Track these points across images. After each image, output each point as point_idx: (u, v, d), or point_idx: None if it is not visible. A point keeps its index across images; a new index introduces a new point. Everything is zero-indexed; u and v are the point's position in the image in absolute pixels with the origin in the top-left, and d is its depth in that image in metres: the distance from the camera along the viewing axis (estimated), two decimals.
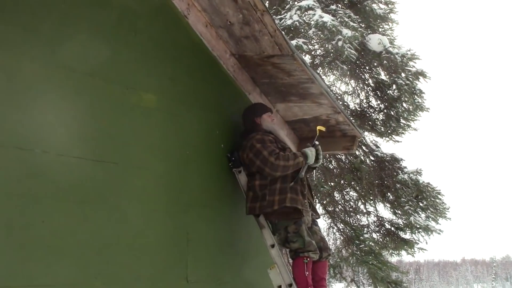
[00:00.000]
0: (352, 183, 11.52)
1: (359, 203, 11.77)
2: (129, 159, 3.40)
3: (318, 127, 4.69)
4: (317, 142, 4.59)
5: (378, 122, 11.37)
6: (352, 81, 11.95)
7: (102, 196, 3.17)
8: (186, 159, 3.94)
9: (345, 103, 11.86)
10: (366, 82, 11.67)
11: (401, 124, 11.21)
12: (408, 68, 10.66)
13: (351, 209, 11.88)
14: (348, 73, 11.18)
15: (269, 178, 4.30)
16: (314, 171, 5.66)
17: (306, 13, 10.29)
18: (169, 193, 3.73)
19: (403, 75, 10.71)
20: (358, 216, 11.76)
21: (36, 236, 2.77)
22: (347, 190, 11.97)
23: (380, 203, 11.48)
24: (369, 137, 11.68)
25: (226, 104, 4.63)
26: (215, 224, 4.24)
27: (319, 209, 11.91)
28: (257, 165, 4.29)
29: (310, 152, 4.47)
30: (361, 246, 10.82)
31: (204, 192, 4.12)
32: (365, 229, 11.42)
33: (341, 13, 10.18)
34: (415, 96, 10.72)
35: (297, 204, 4.23)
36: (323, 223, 12.75)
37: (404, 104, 11.02)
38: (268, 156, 4.25)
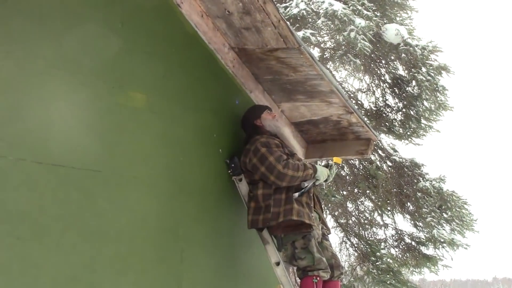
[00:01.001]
0: (367, 191, 11.51)
1: (375, 215, 11.77)
2: (115, 166, 3.38)
3: (335, 159, 4.75)
4: (332, 163, 4.63)
5: (396, 123, 11.37)
6: (367, 77, 11.96)
7: (81, 210, 3.13)
8: (180, 166, 3.93)
9: (359, 102, 11.87)
10: (382, 78, 11.68)
11: (422, 125, 11.21)
12: (429, 62, 10.67)
13: (366, 221, 11.87)
14: (362, 68, 11.19)
15: (273, 186, 4.29)
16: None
17: (314, 0, 10.31)
18: (161, 204, 3.71)
19: (423, 69, 10.71)
20: (374, 229, 11.75)
21: (6, 257, 2.75)
22: (361, 199, 11.97)
23: (398, 214, 11.48)
24: (386, 140, 11.69)
25: (225, 104, 4.63)
26: (213, 239, 4.23)
27: (330, 221, 11.91)
28: (261, 172, 4.29)
29: (321, 170, 4.50)
30: (377, 263, 10.80)
31: (200, 203, 4.12)
32: (382, 244, 11.41)
33: (353, 0, 10.20)
34: (438, 94, 10.73)
35: (303, 217, 4.22)
36: (334, 237, 12.75)
37: (425, 103, 11.02)
38: (275, 163, 4.26)
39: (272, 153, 4.32)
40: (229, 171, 4.48)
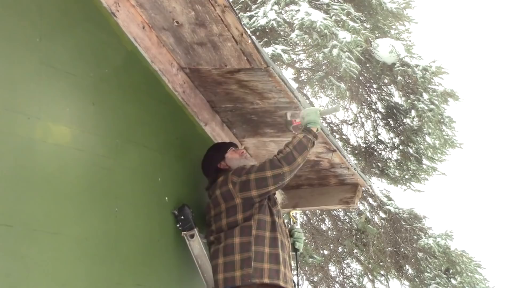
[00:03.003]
0: (355, 251, 11.54)
1: (365, 280, 11.78)
2: (31, 219, 3.35)
3: (292, 213, 4.87)
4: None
5: (391, 164, 11.48)
6: (354, 105, 12.09)
7: None
8: (115, 219, 3.91)
9: (344, 137, 11.97)
10: (374, 107, 11.82)
11: (424, 166, 11.34)
12: (432, 86, 10.82)
13: None
14: (348, 93, 11.31)
15: (253, 232, 4.34)
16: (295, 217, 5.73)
17: (287, 8, 10.42)
18: (90, 268, 3.68)
19: (425, 96, 10.86)
20: None
21: None
22: (347, 261, 11.99)
23: (394, 279, 11.51)
24: (378, 185, 11.79)
25: (173, 140, 4.63)
26: None
27: None
28: (255, 179, 4.37)
29: (313, 112, 4.56)
30: None
31: (140, 267, 4.09)
32: None
33: (336, 9, 10.33)
34: (443, 127, 10.88)
35: (278, 278, 4.30)
36: None
37: (428, 138, 11.16)
38: (264, 162, 4.40)
39: (252, 165, 4.48)
40: (178, 225, 4.48)
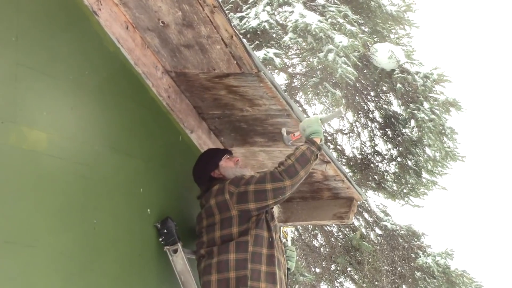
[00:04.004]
0: (348, 269, 11.55)
1: None
2: (2, 231, 3.34)
3: (283, 229, 4.86)
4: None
5: (388, 177, 11.50)
6: (350, 113, 12.11)
7: None
8: (93, 232, 3.90)
9: (339, 147, 11.99)
10: (371, 116, 11.85)
11: (423, 180, 11.36)
12: (433, 95, 10.85)
13: None
14: (344, 101, 11.33)
15: (250, 249, 4.34)
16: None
17: (280, 9, 10.44)
18: (66, 283, 3.67)
19: (425, 105, 10.89)
20: None
21: None
22: (340, 280, 11.99)
23: None
24: (375, 200, 11.81)
25: (156, 148, 4.63)
26: None
27: None
28: (253, 191, 4.37)
29: (314, 122, 4.59)
30: None
31: (118, 282, 4.08)
32: None
33: (333, 11, 10.36)
34: (444, 138, 10.90)
35: None
36: None
37: (428, 150, 11.19)
38: (265, 173, 4.40)
39: (252, 175, 4.48)
40: (160, 239, 4.47)
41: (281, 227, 5.11)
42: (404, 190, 11.44)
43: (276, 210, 4.79)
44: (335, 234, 11.82)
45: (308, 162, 4.42)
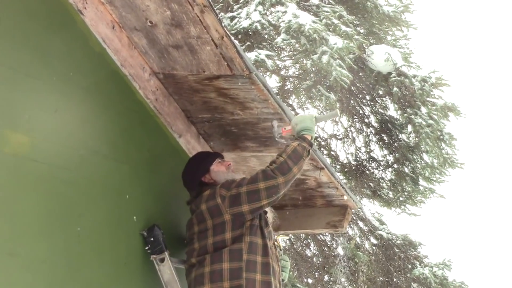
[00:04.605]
0: (342, 280, 11.54)
1: None
2: None
3: (279, 237, 4.88)
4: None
5: (384, 184, 11.51)
6: (344, 118, 12.12)
7: None
8: (77, 240, 3.90)
9: (332, 153, 12.00)
10: (366, 121, 11.86)
11: (420, 187, 11.37)
12: (431, 99, 10.86)
13: None
14: (338, 105, 11.33)
15: (244, 257, 4.34)
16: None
17: (272, 9, 10.43)
18: None
19: (423, 110, 10.89)
20: None
21: None
22: None
23: None
24: (370, 208, 11.81)
25: (143, 153, 4.63)
26: None
27: None
28: (246, 192, 4.37)
29: (307, 118, 4.59)
30: None
31: None
32: None
33: (327, 12, 10.36)
34: (442, 144, 10.91)
35: None
36: None
37: (425, 156, 11.19)
38: (256, 173, 4.40)
39: (242, 178, 4.48)
40: (147, 248, 4.47)
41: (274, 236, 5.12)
42: (401, 198, 11.45)
43: (270, 215, 4.79)
44: (329, 243, 11.83)
45: (301, 158, 4.42)
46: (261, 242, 4.41)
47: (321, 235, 11.56)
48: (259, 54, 9.95)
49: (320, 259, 11.87)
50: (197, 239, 4.45)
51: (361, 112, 11.87)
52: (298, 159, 4.41)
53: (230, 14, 10.61)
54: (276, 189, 4.35)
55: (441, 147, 10.88)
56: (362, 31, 11.35)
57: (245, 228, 4.37)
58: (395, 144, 11.35)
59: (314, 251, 12.01)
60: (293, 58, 11.02)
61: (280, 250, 5.00)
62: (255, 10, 10.31)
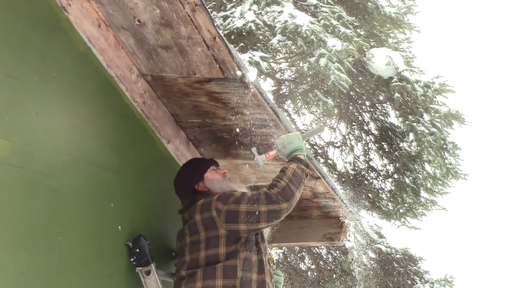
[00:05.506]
0: None
1: None
2: None
3: (272, 250, 4.87)
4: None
5: (383, 195, 11.51)
6: (342, 124, 12.13)
7: None
8: (58, 249, 3.89)
9: (330, 162, 12.00)
10: (366, 128, 11.86)
11: (422, 199, 11.37)
12: (434, 106, 10.87)
13: None
14: (336, 111, 11.35)
15: (239, 274, 4.33)
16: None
17: (268, 9, 10.43)
18: None
19: (426, 117, 10.90)
20: None
21: None
22: None
23: None
24: (369, 220, 11.81)
25: (129, 159, 4.63)
26: None
27: None
28: (245, 212, 4.34)
29: (295, 138, 4.61)
30: None
31: None
32: None
33: (326, 12, 10.36)
34: (446, 154, 10.92)
35: None
36: None
37: (427, 167, 11.20)
38: (259, 194, 4.38)
39: (243, 193, 4.46)
40: (132, 259, 4.46)
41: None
42: (401, 210, 11.46)
43: (267, 230, 4.80)
44: (324, 256, 11.84)
45: (301, 181, 4.44)
46: (256, 258, 4.42)
47: (316, 248, 11.56)
48: (253, 56, 9.93)
49: (315, 273, 11.87)
50: (189, 251, 4.44)
51: (360, 118, 11.88)
52: (299, 183, 4.43)
53: (223, 14, 10.59)
54: (278, 214, 4.36)
55: (444, 156, 10.89)
56: (362, 33, 11.36)
57: (240, 244, 4.37)
58: (396, 153, 11.36)
59: (309, 265, 12.01)
60: (289, 60, 11.03)
61: (273, 264, 4.99)
62: (250, 9, 10.29)
